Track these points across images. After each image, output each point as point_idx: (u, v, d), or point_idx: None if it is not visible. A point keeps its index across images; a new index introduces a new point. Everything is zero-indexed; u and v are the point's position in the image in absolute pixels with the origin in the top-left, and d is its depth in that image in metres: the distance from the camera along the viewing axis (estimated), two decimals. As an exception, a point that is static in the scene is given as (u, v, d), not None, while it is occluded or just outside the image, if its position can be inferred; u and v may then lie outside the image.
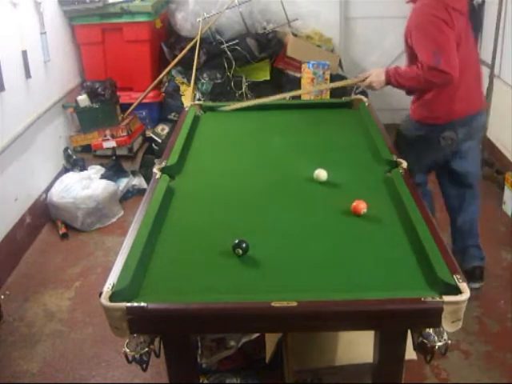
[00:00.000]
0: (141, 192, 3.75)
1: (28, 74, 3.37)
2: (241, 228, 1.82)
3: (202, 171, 2.30)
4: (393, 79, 2.45)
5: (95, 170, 3.79)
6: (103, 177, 3.74)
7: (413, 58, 2.42)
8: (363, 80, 2.57)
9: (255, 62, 4.20)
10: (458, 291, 1.42)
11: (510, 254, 3.09)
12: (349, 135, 2.58)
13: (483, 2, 4.18)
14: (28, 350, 2.56)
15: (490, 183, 3.84)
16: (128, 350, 1.41)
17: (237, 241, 1.66)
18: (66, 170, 3.86)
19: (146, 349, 1.42)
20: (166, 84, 4.29)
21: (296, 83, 4.06)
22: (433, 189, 2.85)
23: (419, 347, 1.42)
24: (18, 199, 3.30)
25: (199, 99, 4.00)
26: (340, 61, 4.44)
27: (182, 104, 4.02)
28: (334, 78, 4.19)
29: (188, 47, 4.16)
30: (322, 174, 2.12)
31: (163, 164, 2.22)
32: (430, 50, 2.31)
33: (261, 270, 1.62)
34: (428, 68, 2.30)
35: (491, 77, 4.04)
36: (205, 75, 4.19)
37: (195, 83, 4.10)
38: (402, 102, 4.91)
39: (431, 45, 2.31)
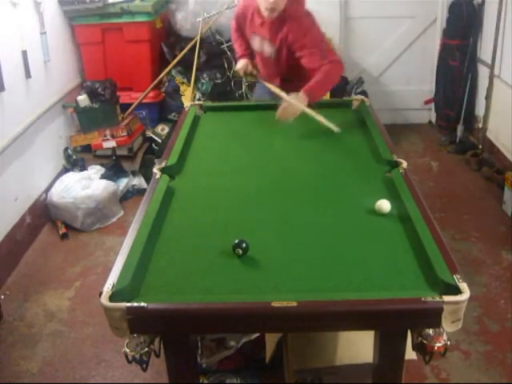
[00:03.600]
0: (141, 192, 3.75)
1: (28, 74, 3.37)
2: (241, 228, 1.81)
3: (202, 171, 2.30)
4: (311, 97, 2.50)
5: (95, 170, 3.79)
6: (103, 177, 3.74)
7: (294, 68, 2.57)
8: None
9: (255, 62, 4.20)
10: (458, 291, 1.41)
11: (510, 253, 3.09)
12: (349, 135, 2.58)
13: (483, 1, 4.18)
14: (28, 350, 2.56)
15: (490, 183, 3.84)
16: (128, 350, 1.41)
17: (237, 241, 1.66)
18: (66, 170, 3.86)
19: (146, 349, 1.42)
20: (166, 84, 4.29)
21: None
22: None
23: (418, 347, 1.42)
24: (18, 199, 3.29)
25: (199, 99, 4.00)
26: (340, 61, 4.43)
27: (182, 104, 4.02)
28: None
29: (188, 47, 4.16)
30: (384, 205, 1.85)
31: (163, 164, 2.22)
32: (324, 49, 2.54)
33: (261, 270, 1.62)
34: (337, 62, 2.56)
35: (491, 77, 4.03)
36: (205, 75, 4.20)
37: (195, 83, 4.10)
38: (402, 102, 4.98)
39: (323, 44, 2.60)
